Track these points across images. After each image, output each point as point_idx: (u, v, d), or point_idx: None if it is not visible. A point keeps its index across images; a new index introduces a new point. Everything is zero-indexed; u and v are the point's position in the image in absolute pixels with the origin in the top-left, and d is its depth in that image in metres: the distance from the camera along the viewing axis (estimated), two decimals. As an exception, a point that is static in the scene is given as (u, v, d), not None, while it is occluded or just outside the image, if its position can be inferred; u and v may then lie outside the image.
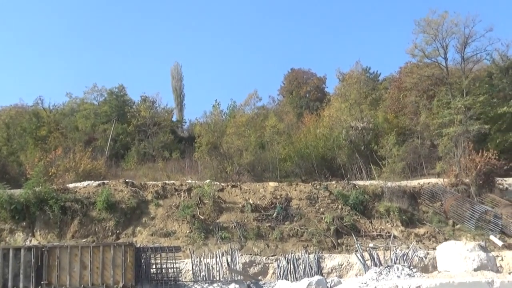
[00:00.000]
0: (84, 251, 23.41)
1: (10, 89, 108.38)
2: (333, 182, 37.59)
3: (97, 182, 34.94)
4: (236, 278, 25.60)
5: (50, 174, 37.67)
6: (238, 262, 26.44)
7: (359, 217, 33.11)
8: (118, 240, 29.29)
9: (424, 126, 46.06)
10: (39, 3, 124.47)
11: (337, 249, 30.04)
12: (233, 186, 35.76)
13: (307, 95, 67.19)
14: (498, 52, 48.12)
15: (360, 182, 37.84)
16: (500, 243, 30.28)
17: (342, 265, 28.12)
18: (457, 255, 24.45)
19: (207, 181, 36.59)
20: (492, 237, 30.95)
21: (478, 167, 36.09)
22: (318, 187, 35.65)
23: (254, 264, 28.12)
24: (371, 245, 29.64)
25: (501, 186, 37.23)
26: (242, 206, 33.12)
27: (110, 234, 30.48)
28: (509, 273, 23.78)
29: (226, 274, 25.84)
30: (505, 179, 37.85)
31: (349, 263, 28.11)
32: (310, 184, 36.65)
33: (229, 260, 26.01)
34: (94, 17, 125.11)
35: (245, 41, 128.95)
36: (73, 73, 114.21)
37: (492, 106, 44.93)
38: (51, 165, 39.58)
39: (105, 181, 35.37)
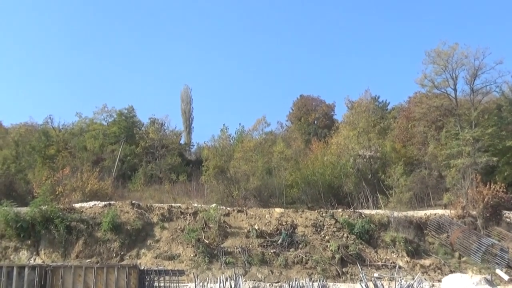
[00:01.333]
0: (88, 272, 23.33)
1: (21, 107, 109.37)
2: (339, 210, 37.53)
3: (103, 203, 34.98)
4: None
5: (57, 193, 37.79)
6: (242, 288, 26.32)
7: (364, 246, 32.95)
8: (122, 262, 29.24)
9: (432, 157, 45.95)
10: (53, 23, 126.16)
11: (342, 277, 29.84)
12: (239, 211, 35.70)
13: (315, 122, 67.38)
14: (508, 84, 48.27)
15: (366, 211, 37.70)
16: (506, 277, 29.99)
17: (348, 294, 27.94)
18: (463, 288, 24.28)
19: (213, 205, 36.59)
20: (498, 271, 30.69)
21: (486, 199, 35.83)
22: (324, 214, 35.53)
23: (257, 291, 27.98)
24: (376, 275, 29.44)
25: (508, 220, 36.93)
26: (248, 232, 33.03)
27: (114, 255, 30.43)
28: (515, 308, 23.55)
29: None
30: (512, 212, 37.60)
31: (354, 292, 27.93)
32: (316, 211, 36.56)
33: (233, 286, 25.88)
34: (107, 39, 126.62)
35: (256, 66, 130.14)
36: (83, 93, 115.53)
37: (501, 139, 44.78)
38: (58, 184, 39.70)
39: (111, 202, 35.40)
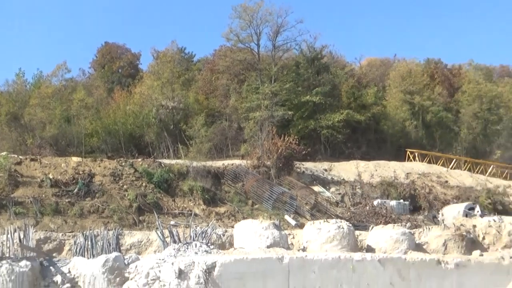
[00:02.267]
0: None
1: None
2: (139, 159, 37.19)
3: None
4: (28, 255, 24.18)
5: None
6: (32, 239, 24.84)
7: (162, 195, 33.00)
8: None
9: (233, 109, 47.42)
10: None
11: (138, 226, 29.67)
12: (32, 160, 33.70)
13: (119, 71, 65.70)
14: (306, 43, 51.08)
15: (167, 161, 37.77)
16: (293, 222, 32.04)
17: (141, 242, 27.64)
18: (253, 233, 25.18)
19: (4, 153, 34.21)
20: (286, 217, 32.68)
21: (280, 150, 37.67)
22: (123, 164, 34.95)
23: (49, 241, 26.53)
24: (172, 222, 29.68)
25: (298, 170, 39.40)
26: (41, 181, 31.33)
27: None
28: (298, 250, 25.22)
29: (17, 251, 24.31)
30: (302, 163, 40.14)
31: (149, 240, 27.76)
32: (115, 160, 35.82)
33: (22, 237, 24.51)
34: None
35: (58, 9, 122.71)
36: None
37: (297, 94, 47.48)
38: None
39: None
